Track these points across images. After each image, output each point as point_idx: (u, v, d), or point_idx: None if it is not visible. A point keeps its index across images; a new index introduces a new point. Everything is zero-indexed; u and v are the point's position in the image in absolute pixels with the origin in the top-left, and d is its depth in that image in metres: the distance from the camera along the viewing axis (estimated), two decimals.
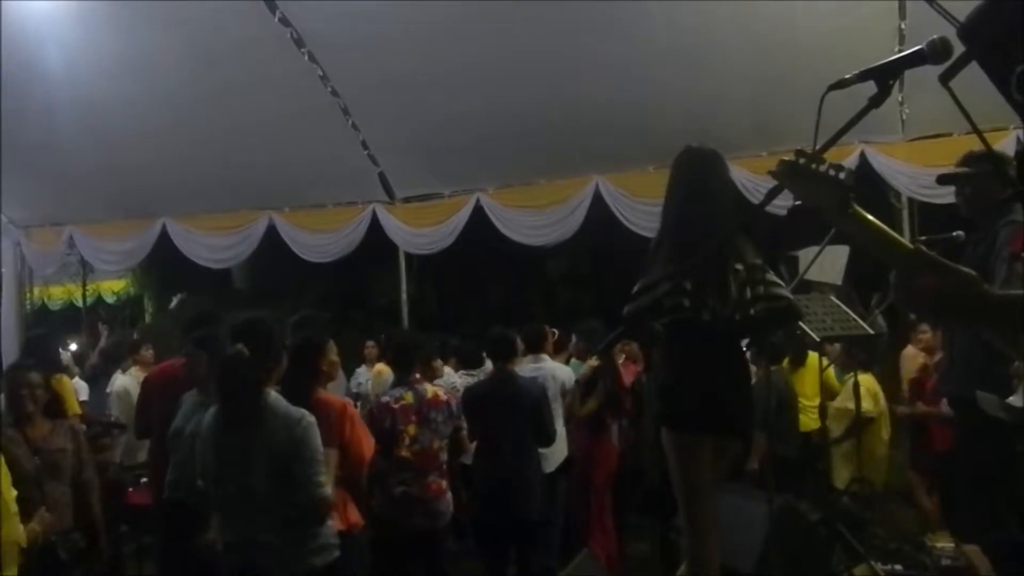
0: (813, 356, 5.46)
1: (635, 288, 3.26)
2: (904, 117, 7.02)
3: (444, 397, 4.53)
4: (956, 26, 1.13)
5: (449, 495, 4.47)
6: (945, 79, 1.15)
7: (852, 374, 5.18)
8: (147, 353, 7.42)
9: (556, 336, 6.53)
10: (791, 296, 3.31)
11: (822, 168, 1.56)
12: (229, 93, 7.35)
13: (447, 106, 7.35)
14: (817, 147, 2.10)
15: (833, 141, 2.13)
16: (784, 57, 6.48)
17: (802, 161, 1.56)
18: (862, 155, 7.27)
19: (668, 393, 3.36)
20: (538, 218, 8.15)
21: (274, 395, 3.15)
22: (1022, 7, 0.97)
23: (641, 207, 7.86)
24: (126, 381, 6.97)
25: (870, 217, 1.61)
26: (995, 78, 1.07)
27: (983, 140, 1.47)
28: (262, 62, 7.10)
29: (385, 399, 4.48)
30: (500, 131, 7.48)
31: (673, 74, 6.82)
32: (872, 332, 4.27)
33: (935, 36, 1.50)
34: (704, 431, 3.20)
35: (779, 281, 3.24)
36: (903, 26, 6.10)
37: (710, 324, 3.15)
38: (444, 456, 4.48)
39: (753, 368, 4.84)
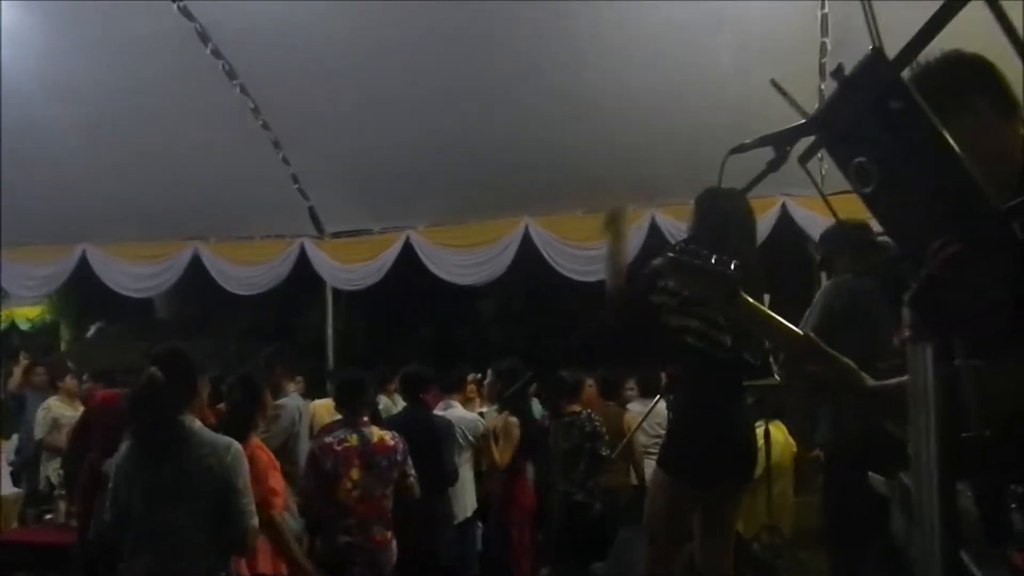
0: None
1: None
2: (823, 172, 7.25)
3: (391, 442, 4.32)
4: (805, 118, 1.20)
5: (394, 545, 4.29)
6: (803, 161, 1.21)
7: (763, 423, 5.28)
8: (71, 382, 7.19)
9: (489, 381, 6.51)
10: None
11: (708, 263, 1.61)
12: (158, 122, 7.24)
13: (379, 142, 7.35)
14: None
15: (742, 193, 2.23)
16: (712, 107, 6.66)
17: (685, 257, 1.61)
18: (783, 207, 7.49)
19: (678, 439, 3.37)
20: (467, 257, 8.17)
21: (198, 424, 3.11)
22: (864, 104, 1.04)
23: (570, 251, 7.96)
24: None
25: (758, 305, 1.67)
26: (841, 167, 1.14)
27: (833, 211, 1.58)
28: (193, 93, 7.02)
29: (328, 440, 4.30)
30: (432, 169, 7.52)
31: (603, 120, 6.96)
32: (780, 382, 4.37)
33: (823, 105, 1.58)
34: (711, 484, 3.21)
35: None
36: (823, 87, 6.34)
37: (729, 365, 3.17)
38: (389, 504, 4.29)
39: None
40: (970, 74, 1.52)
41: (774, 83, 1.31)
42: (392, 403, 7.13)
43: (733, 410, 3.30)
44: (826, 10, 5.95)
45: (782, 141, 1.57)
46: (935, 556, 0.97)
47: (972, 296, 0.97)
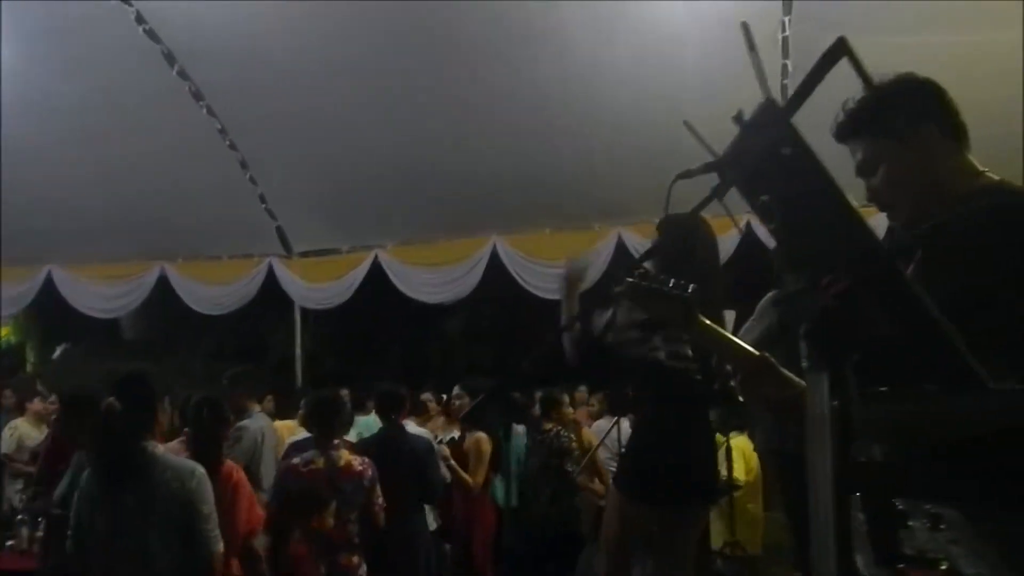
0: None
1: (595, 323, 3.30)
2: None
3: (359, 467, 4.26)
4: (714, 157, 1.26)
5: (363, 570, 4.22)
6: (719, 196, 1.27)
7: (726, 438, 5.34)
8: (39, 404, 7.08)
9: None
10: None
11: (666, 287, 1.65)
12: (124, 142, 7.22)
13: (347, 162, 7.40)
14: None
15: (696, 214, 2.30)
16: (678, 126, 6.70)
17: (644, 282, 1.65)
18: (748, 225, 7.57)
19: (633, 458, 3.37)
20: (435, 276, 8.20)
21: (161, 448, 3.11)
22: (760, 149, 1.10)
23: (538, 268, 8.00)
24: None
25: (716, 327, 1.72)
26: (749, 203, 1.20)
27: (739, 229, 1.63)
28: (159, 114, 7.03)
29: (295, 462, 4.25)
30: (400, 188, 7.55)
31: (570, 139, 7.03)
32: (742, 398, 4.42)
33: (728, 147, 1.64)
34: (665, 505, 3.21)
35: None
36: None
37: (691, 389, 3.19)
38: (355, 529, 4.21)
39: None
40: (921, 98, 1.60)
41: (687, 124, 1.37)
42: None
43: (691, 431, 3.30)
44: (787, 33, 6.08)
45: (725, 168, 1.63)
46: (831, 573, 1.02)
47: (861, 329, 1.03)
